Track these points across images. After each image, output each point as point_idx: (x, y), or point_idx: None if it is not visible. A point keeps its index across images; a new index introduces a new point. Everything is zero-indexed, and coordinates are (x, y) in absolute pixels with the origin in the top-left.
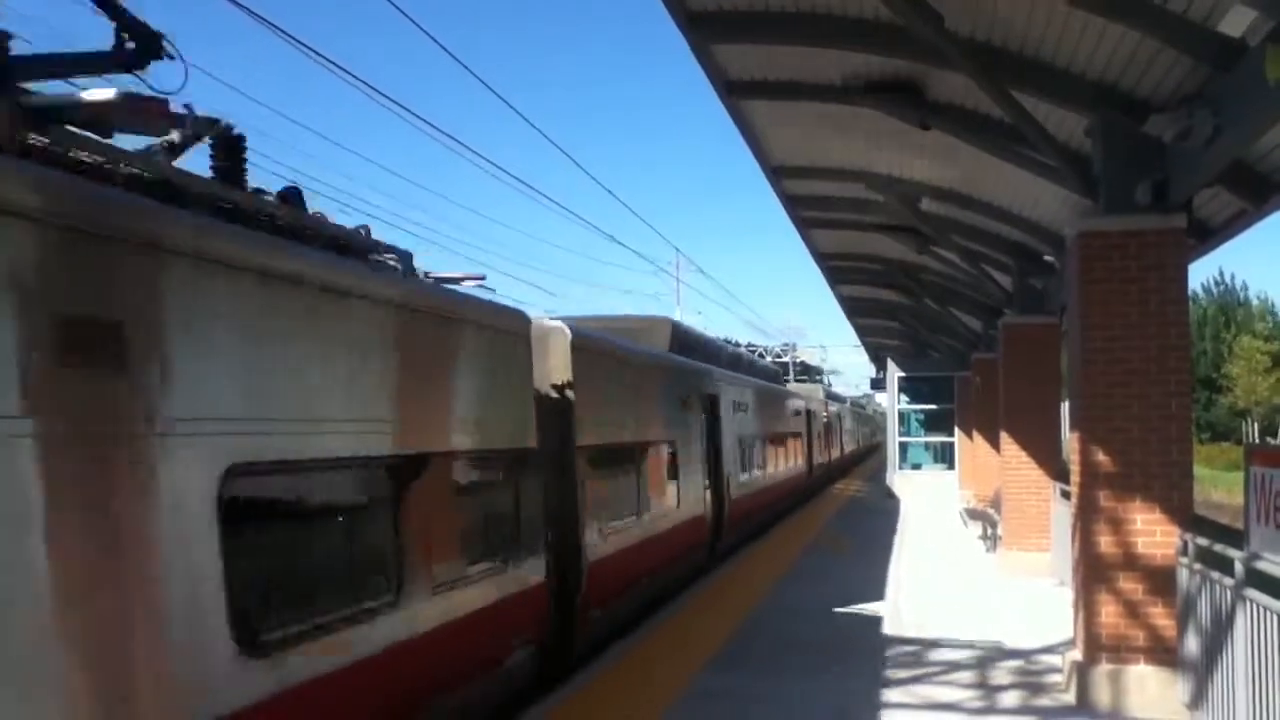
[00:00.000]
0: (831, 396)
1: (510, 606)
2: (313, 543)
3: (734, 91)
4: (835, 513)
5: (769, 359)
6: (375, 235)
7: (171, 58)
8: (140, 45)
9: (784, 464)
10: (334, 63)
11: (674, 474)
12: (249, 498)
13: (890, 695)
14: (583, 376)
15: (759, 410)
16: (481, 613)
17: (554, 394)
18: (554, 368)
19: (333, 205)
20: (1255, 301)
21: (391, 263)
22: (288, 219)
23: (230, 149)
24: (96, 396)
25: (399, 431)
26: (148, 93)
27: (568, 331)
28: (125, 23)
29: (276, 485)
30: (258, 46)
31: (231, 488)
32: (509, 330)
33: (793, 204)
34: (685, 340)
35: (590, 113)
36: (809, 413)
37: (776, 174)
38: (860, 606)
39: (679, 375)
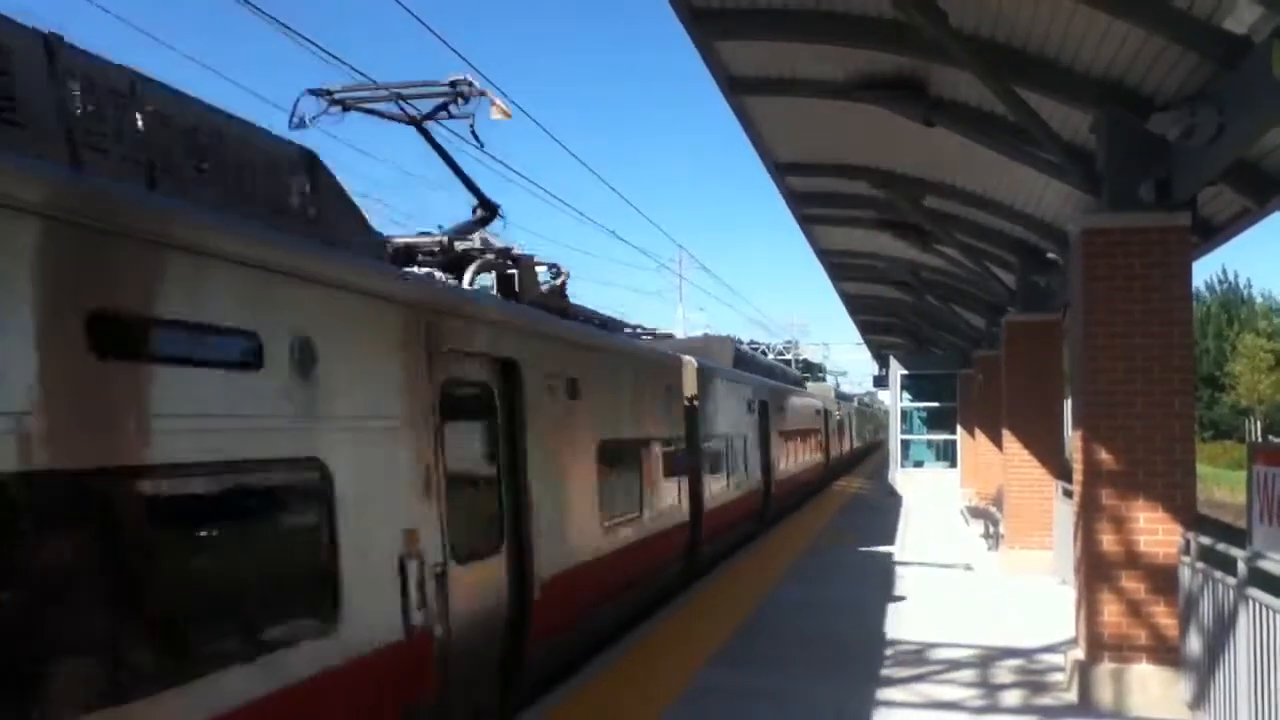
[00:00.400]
0: (841, 396)
1: (676, 533)
2: (618, 477)
3: (737, 88)
4: (839, 509)
5: (771, 356)
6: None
7: (503, 218)
8: (486, 210)
9: (808, 455)
10: (342, 60)
11: (745, 459)
12: (603, 455)
13: (892, 693)
14: (702, 391)
15: (791, 411)
16: (668, 531)
17: (688, 403)
18: (688, 386)
19: None
20: (1259, 299)
21: (631, 332)
22: (584, 314)
23: (559, 280)
24: (572, 409)
25: (644, 427)
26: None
27: (695, 362)
28: (478, 195)
29: (611, 452)
30: (269, 47)
31: (600, 451)
32: (673, 366)
33: (795, 201)
34: (741, 356)
35: (594, 109)
36: (825, 412)
37: (779, 170)
38: (862, 604)
39: (745, 387)
